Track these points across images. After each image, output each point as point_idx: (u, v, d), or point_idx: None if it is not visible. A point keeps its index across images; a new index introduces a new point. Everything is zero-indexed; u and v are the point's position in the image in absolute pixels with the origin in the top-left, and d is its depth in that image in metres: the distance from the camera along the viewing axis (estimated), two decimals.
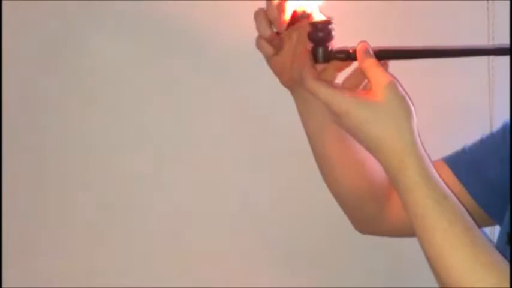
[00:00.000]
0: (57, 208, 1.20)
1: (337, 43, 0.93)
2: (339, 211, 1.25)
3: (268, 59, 0.99)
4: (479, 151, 1.05)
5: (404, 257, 1.25)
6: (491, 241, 0.88)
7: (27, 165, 1.20)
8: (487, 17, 1.22)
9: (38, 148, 1.19)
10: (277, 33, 0.95)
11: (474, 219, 0.86)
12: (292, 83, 0.99)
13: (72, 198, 1.21)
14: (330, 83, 0.91)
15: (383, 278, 1.28)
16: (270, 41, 0.96)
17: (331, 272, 1.28)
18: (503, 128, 1.02)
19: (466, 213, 0.85)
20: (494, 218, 1.05)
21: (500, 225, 1.03)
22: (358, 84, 0.92)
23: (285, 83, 1.00)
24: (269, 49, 0.96)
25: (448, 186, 0.92)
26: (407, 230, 0.91)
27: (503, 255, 0.87)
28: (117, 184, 1.22)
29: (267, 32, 0.95)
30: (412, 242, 0.87)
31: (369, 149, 0.88)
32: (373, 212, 1.08)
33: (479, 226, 0.86)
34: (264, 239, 1.25)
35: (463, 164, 1.06)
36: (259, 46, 0.97)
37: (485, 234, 0.86)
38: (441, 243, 0.82)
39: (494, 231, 1.21)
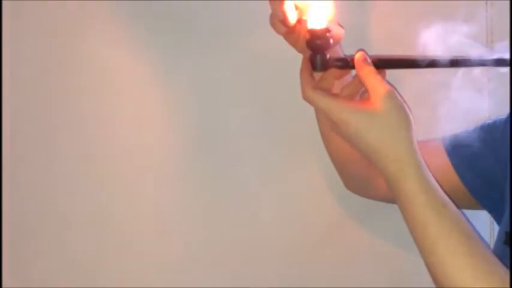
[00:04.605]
0: (57, 208, 1.20)
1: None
2: (339, 213, 1.27)
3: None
4: (477, 137, 1.05)
5: (405, 260, 1.25)
6: (489, 247, 0.89)
7: (27, 165, 1.19)
8: (485, 18, 1.22)
9: (37, 148, 1.19)
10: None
11: (459, 202, 0.89)
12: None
13: (72, 198, 1.21)
14: (328, 92, 0.91)
15: (383, 278, 1.29)
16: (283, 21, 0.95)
17: (331, 272, 1.28)
18: (505, 121, 1.02)
19: (465, 221, 0.86)
20: (481, 203, 1.07)
21: (498, 222, 1.05)
22: (356, 92, 0.92)
23: (300, 51, 1.00)
24: (282, 29, 0.96)
25: (439, 167, 0.94)
26: (388, 200, 1.04)
27: (502, 255, 0.88)
28: (118, 184, 1.21)
29: (281, 15, 0.94)
30: (412, 244, 0.87)
31: (368, 158, 0.88)
32: (362, 178, 1.13)
33: (460, 208, 0.88)
34: (263, 242, 1.25)
35: (458, 147, 1.07)
36: (272, 25, 0.97)
37: (483, 240, 0.87)
38: (441, 252, 0.83)
39: (493, 237, 1.22)
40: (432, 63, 0.91)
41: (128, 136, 1.21)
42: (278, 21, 0.95)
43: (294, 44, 1.00)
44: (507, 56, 0.87)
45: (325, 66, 0.92)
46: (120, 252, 1.23)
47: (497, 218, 1.05)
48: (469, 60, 0.90)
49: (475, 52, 0.92)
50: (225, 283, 1.25)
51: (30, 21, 1.16)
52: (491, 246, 1.01)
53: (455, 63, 0.91)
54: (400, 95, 0.88)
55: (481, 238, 0.86)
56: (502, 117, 1.03)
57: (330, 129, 0.92)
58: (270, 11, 0.96)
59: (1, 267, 1.16)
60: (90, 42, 1.18)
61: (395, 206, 0.89)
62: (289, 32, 0.97)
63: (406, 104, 0.88)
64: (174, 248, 1.24)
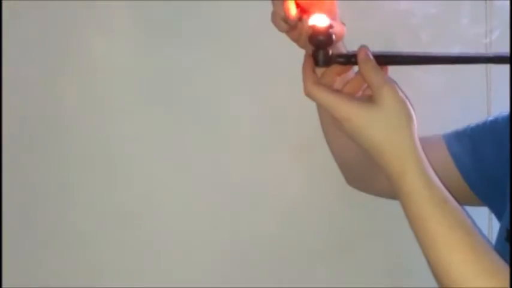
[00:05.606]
0: (57, 208, 1.20)
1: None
2: (341, 209, 1.27)
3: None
4: (479, 134, 1.06)
5: (406, 256, 1.26)
6: (490, 243, 0.89)
7: (27, 165, 1.19)
8: (485, 18, 1.22)
9: (38, 148, 1.19)
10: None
11: (460, 198, 0.88)
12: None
13: (72, 198, 1.21)
14: (330, 88, 0.91)
15: (383, 278, 1.29)
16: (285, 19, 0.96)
17: (331, 270, 1.28)
18: (507, 118, 1.03)
19: (467, 217, 0.86)
20: (482, 200, 1.07)
21: (499, 219, 1.05)
22: (358, 88, 0.92)
23: (302, 47, 1.00)
24: (284, 26, 0.97)
25: (441, 163, 0.95)
26: (390, 196, 1.02)
27: (503, 251, 0.88)
28: (118, 185, 1.22)
29: (282, 13, 0.95)
30: (412, 241, 0.87)
31: (370, 153, 0.88)
32: (364, 174, 1.13)
33: (461, 204, 0.87)
34: (264, 241, 1.26)
35: (459, 143, 1.07)
36: (274, 22, 0.97)
37: (484, 236, 0.87)
38: (442, 248, 0.83)
39: (492, 232, 1.22)
40: (434, 60, 0.92)
41: (128, 136, 1.21)
42: (280, 19, 0.96)
43: (296, 40, 1.00)
44: (507, 53, 0.87)
45: (327, 62, 0.91)
46: (120, 252, 1.23)
47: (498, 215, 1.05)
48: (470, 57, 0.90)
49: (476, 50, 0.93)
50: (225, 283, 1.25)
51: (30, 21, 1.16)
52: (491, 242, 1.01)
53: (457, 60, 0.91)
54: (402, 91, 0.88)
55: (482, 234, 0.86)
56: (503, 113, 1.04)
57: (332, 125, 0.92)
58: (271, 9, 0.97)
59: (1, 267, 1.16)
60: (90, 42, 1.18)
61: (396, 202, 0.89)
62: (291, 30, 0.97)
63: (408, 100, 0.88)
64: (174, 248, 1.24)
